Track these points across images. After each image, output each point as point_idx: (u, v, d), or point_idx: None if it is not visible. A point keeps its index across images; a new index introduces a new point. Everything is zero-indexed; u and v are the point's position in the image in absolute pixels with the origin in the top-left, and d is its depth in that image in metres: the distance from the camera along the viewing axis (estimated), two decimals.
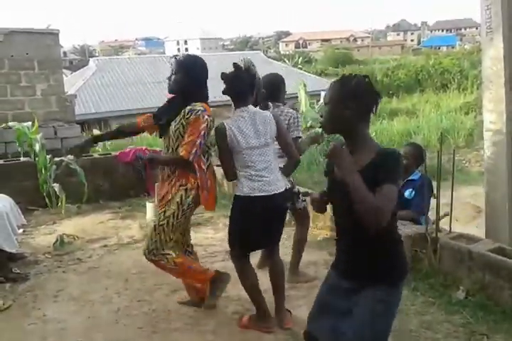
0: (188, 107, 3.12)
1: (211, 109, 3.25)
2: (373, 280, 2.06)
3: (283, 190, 3.15)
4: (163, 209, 3.22)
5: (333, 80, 2.17)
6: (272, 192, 3.08)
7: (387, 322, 2.10)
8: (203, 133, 3.10)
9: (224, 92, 3.14)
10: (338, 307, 2.13)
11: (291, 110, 3.92)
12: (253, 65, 4.83)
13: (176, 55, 3.29)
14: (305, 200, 3.96)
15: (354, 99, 2.01)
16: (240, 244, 3.18)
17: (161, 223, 3.19)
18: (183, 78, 3.16)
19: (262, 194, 3.05)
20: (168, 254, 3.19)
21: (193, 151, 3.08)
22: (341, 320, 2.10)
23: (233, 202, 3.18)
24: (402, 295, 2.16)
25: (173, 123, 3.16)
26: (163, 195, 3.29)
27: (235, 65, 3.11)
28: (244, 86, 3.10)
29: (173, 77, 3.21)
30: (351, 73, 2.15)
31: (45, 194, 6.12)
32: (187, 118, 3.10)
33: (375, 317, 2.04)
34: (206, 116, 3.11)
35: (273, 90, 3.80)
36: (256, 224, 3.07)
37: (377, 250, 2.05)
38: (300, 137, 3.85)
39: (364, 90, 2.04)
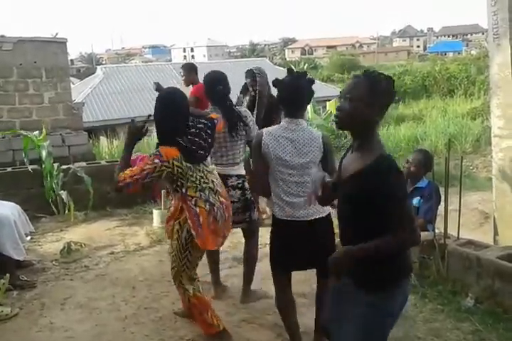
0: (158, 149, 2.95)
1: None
2: (365, 281, 2.04)
3: (322, 216, 2.88)
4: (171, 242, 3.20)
5: (357, 75, 2.08)
6: (306, 218, 2.84)
7: (378, 329, 2.07)
8: (146, 172, 2.85)
9: (278, 101, 2.96)
10: (340, 307, 2.14)
11: (248, 111, 3.83)
12: (263, 73, 4.82)
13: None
14: (258, 210, 3.83)
15: (381, 98, 1.98)
16: (278, 265, 3.00)
17: (172, 255, 3.18)
18: (156, 114, 3.01)
19: (294, 219, 2.85)
20: (187, 290, 3.13)
21: (127, 182, 2.86)
22: (342, 320, 2.11)
23: (271, 221, 3.02)
24: (396, 303, 2.08)
25: None
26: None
27: (289, 70, 2.95)
28: (302, 93, 2.88)
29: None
30: (375, 70, 2.09)
31: (51, 201, 6.14)
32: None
33: (365, 322, 2.02)
34: (157, 160, 2.86)
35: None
36: (293, 247, 2.87)
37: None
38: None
39: (387, 90, 2.01)
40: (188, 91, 5.74)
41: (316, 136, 2.87)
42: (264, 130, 2.92)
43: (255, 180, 2.98)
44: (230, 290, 3.99)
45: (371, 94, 1.96)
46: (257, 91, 5.05)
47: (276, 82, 2.88)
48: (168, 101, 3.02)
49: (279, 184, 2.87)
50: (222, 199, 3.11)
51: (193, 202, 2.99)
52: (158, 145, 2.99)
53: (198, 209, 2.99)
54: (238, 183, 3.67)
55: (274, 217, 2.97)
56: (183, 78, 6.09)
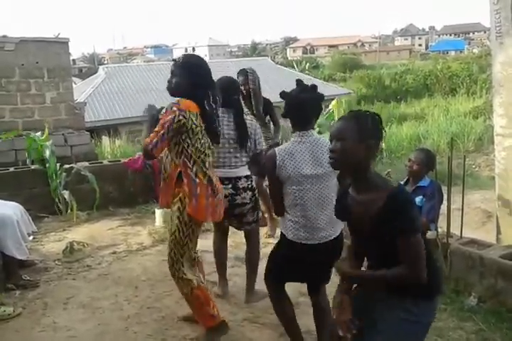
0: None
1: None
2: (397, 294, 2.05)
3: (336, 236, 2.80)
4: (169, 226, 3.07)
5: (343, 116, 2.16)
6: (322, 241, 2.75)
7: (415, 334, 2.09)
8: (167, 124, 2.80)
9: (284, 115, 2.83)
10: (366, 314, 2.12)
11: (254, 121, 3.81)
12: (255, 73, 4.71)
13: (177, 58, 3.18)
14: (258, 214, 3.80)
15: (372, 138, 2.02)
16: (274, 278, 2.95)
17: (170, 239, 3.05)
18: (179, 80, 2.97)
19: (309, 242, 2.76)
20: (191, 281, 3.02)
21: (154, 141, 2.79)
22: (368, 329, 2.09)
23: (280, 238, 2.94)
24: (430, 315, 2.12)
25: None
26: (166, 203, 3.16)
27: (298, 81, 2.83)
28: (309, 108, 2.76)
29: (173, 79, 3.03)
30: (361, 110, 2.16)
31: (57, 200, 6.14)
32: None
33: (395, 335, 2.03)
34: (175, 108, 2.83)
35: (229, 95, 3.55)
36: (297, 266, 2.82)
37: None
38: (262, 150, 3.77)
39: (379, 129, 2.06)
40: None
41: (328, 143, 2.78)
42: (277, 149, 2.81)
43: (275, 201, 2.89)
44: (232, 290, 3.99)
45: (360, 132, 2.01)
46: (251, 89, 5.07)
47: (284, 95, 2.79)
48: (195, 60, 3.04)
49: (296, 202, 2.75)
50: (217, 182, 3.08)
51: (194, 171, 2.94)
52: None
53: (197, 180, 2.94)
54: (248, 184, 3.67)
55: (283, 237, 2.87)
56: None
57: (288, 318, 2.99)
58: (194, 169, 2.94)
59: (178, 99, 2.91)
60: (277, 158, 2.75)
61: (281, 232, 2.90)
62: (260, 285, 3.85)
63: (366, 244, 2.15)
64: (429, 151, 4.26)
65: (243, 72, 5.17)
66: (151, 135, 2.82)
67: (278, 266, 2.92)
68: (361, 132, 2.01)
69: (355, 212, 2.11)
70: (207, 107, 2.97)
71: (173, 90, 3.02)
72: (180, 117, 2.82)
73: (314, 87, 2.79)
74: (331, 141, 2.10)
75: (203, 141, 2.97)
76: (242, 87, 4.87)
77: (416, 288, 2.01)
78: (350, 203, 2.14)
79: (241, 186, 3.61)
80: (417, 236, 1.96)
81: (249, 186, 3.67)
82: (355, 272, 2.16)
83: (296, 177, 2.72)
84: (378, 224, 1.99)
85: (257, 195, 3.76)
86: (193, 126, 2.88)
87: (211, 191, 2.99)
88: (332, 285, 2.66)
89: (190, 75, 2.95)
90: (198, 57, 3.14)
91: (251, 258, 3.83)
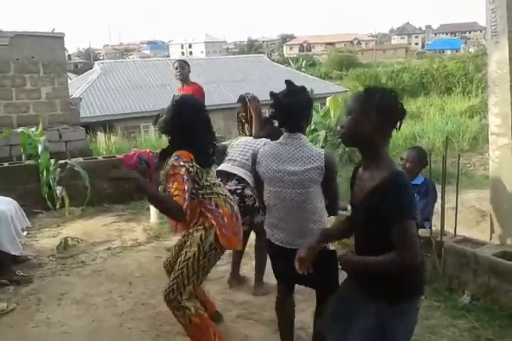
0: (174, 154, 2.83)
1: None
2: (378, 296, 2.03)
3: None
4: (183, 251, 2.94)
5: (359, 91, 2.12)
6: (286, 246, 2.68)
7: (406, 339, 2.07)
8: (185, 178, 2.72)
9: (271, 117, 2.76)
10: (348, 316, 2.13)
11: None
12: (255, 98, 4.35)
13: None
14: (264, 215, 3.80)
15: (377, 113, 1.96)
16: (275, 277, 2.93)
17: (180, 265, 2.89)
18: (170, 120, 2.93)
19: (276, 242, 2.73)
20: (188, 309, 2.84)
21: (186, 197, 2.70)
22: (348, 331, 2.09)
23: None
24: (411, 319, 2.08)
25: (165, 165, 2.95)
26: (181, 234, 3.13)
27: (287, 82, 2.72)
28: (295, 111, 2.63)
29: (163, 116, 3.00)
30: (376, 86, 2.11)
31: (46, 196, 6.11)
32: (168, 165, 2.85)
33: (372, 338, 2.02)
34: (182, 163, 2.76)
35: None
36: (278, 266, 2.83)
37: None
38: None
39: (389, 105, 1.99)
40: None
41: (315, 153, 2.60)
42: (261, 148, 2.80)
43: (259, 198, 2.92)
44: (226, 286, 4.01)
45: (370, 110, 1.97)
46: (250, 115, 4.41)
47: (271, 96, 2.69)
48: (193, 108, 2.96)
49: (269, 204, 2.72)
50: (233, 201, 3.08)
51: (214, 204, 2.91)
52: (163, 151, 2.97)
53: (221, 210, 2.91)
54: (236, 189, 3.62)
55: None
56: (179, 74, 5.98)
57: (281, 319, 2.93)
58: (213, 203, 2.91)
59: (176, 153, 2.82)
60: (258, 154, 2.73)
61: None
62: (269, 278, 3.88)
63: (357, 231, 2.15)
64: (420, 149, 4.29)
65: (240, 99, 4.80)
66: (174, 196, 2.67)
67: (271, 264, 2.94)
68: (366, 106, 1.98)
69: (356, 187, 2.10)
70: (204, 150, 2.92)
71: (165, 130, 3.03)
72: (191, 169, 2.78)
73: (302, 89, 2.70)
74: (345, 115, 2.10)
75: (209, 178, 2.93)
76: (244, 114, 4.38)
77: (399, 290, 2.00)
78: (356, 182, 2.13)
79: (228, 188, 3.52)
80: (411, 222, 1.91)
81: (238, 191, 3.62)
82: (355, 258, 2.05)
83: (268, 177, 2.67)
84: (369, 202, 1.97)
85: (250, 203, 3.64)
86: (198, 170, 2.84)
87: (236, 218, 2.97)
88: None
89: (185, 118, 2.89)
90: (196, 100, 3.09)
91: (259, 251, 3.86)
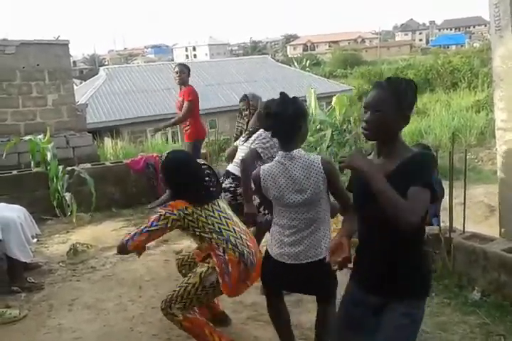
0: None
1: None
2: (400, 294, 2.02)
3: (313, 260, 2.62)
4: (190, 273, 3.08)
5: (379, 83, 2.03)
6: (292, 262, 2.66)
7: (413, 335, 2.06)
8: (150, 221, 2.91)
9: (265, 129, 2.81)
10: (367, 324, 2.08)
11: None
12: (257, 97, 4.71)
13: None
14: (266, 214, 3.71)
15: (408, 108, 1.96)
16: (263, 284, 2.92)
17: (182, 284, 3.02)
18: (166, 180, 3.09)
19: (281, 260, 2.69)
20: (175, 316, 2.96)
21: (132, 234, 2.90)
22: (370, 337, 2.05)
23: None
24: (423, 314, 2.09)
25: None
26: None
27: (281, 93, 2.69)
28: (288, 119, 2.59)
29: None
30: (397, 76, 2.09)
31: (55, 203, 6.14)
32: None
33: (401, 331, 2.00)
34: (162, 210, 2.92)
35: None
36: (272, 281, 2.81)
37: (405, 264, 2.01)
38: None
39: (414, 97, 2.00)
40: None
41: (313, 161, 2.59)
42: (262, 169, 2.73)
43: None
44: None
45: (396, 102, 1.94)
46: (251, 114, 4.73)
47: (265, 107, 2.74)
48: (178, 169, 3.00)
49: (279, 222, 2.71)
50: (249, 243, 3.03)
51: (221, 250, 2.94)
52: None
53: (227, 257, 2.93)
54: (230, 187, 3.78)
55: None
56: (179, 77, 6.06)
57: (278, 323, 2.93)
58: (221, 249, 2.94)
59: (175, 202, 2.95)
60: (261, 179, 2.70)
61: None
62: None
63: (371, 220, 2.03)
64: (425, 146, 4.28)
65: (243, 98, 4.90)
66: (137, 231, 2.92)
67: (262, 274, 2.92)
68: (399, 103, 1.94)
69: None
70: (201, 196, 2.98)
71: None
72: (167, 215, 2.88)
73: (294, 100, 2.66)
74: (365, 110, 2.00)
75: (210, 221, 2.94)
76: (247, 112, 4.68)
77: (410, 288, 2.01)
78: None
79: (223, 185, 3.75)
80: (426, 190, 1.88)
81: (231, 189, 3.78)
82: (374, 170, 1.91)
83: (279, 201, 2.66)
84: (392, 181, 1.89)
85: (242, 201, 3.69)
86: (191, 218, 2.91)
87: (243, 266, 2.95)
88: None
89: (173, 178, 3.03)
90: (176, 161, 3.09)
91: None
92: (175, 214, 2.89)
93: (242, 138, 4.13)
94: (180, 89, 6.11)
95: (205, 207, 2.96)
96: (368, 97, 2.02)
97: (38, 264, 4.71)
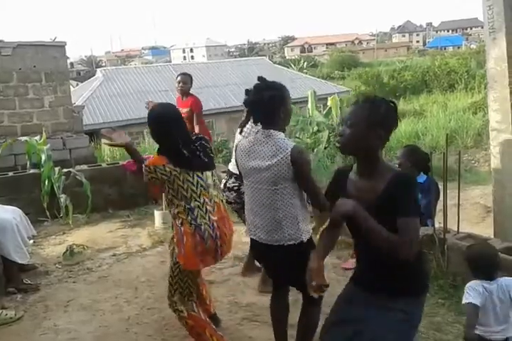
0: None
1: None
2: (397, 292, 2.05)
3: (280, 243, 2.62)
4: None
5: (357, 100, 2.10)
6: (259, 240, 2.72)
7: (408, 333, 2.08)
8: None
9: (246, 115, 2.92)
10: (358, 316, 2.09)
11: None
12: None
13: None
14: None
15: (382, 125, 1.99)
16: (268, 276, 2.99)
17: (169, 273, 3.08)
18: (151, 132, 3.08)
19: (251, 236, 2.79)
20: (181, 312, 3.03)
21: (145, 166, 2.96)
22: (360, 328, 2.07)
23: None
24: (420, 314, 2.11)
25: None
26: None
27: (259, 78, 2.75)
28: (266, 105, 2.62)
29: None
30: (376, 96, 2.12)
31: (46, 205, 6.10)
32: None
33: (395, 327, 2.03)
34: (144, 166, 2.95)
35: None
36: (259, 260, 2.96)
37: (402, 265, 2.01)
38: None
39: (392, 117, 2.03)
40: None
41: (285, 145, 2.56)
42: (239, 143, 2.83)
43: None
44: (232, 289, 4.02)
45: (375, 123, 1.98)
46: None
47: (245, 92, 2.78)
48: (164, 120, 2.97)
49: (247, 201, 2.78)
50: (213, 217, 2.95)
51: (180, 221, 2.95)
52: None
53: (182, 229, 2.93)
54: (234, 186, 3.80)
55: None
56: (182, 87, 5.96)
57: (274, 319, 2.95)
58: (180, 220, 2.94)
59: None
60: (237, 149, 2.82)
61: None
62: None
63: (360, 241, 2.11)
64: (414, 148, 4.27)
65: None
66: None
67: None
68: (372, 119, 1.97)
69: (354, 197, 2.03)
70: (182, 152, 2.93)
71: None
72: (144, 170, 2.93)
73: (273, 84, 2.67)
74: (341, 124, 2.09)
75: (185, 185, 2.89)
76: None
77: (407, 287, 2.03)
78: (348, 187, 2.10)
79: (227, 185, 3.83)
80: (415, 218, 1.93)
81: (235, 188, 3.82)
82: (365, 213, 1.93)
83: (244, 172, 2.74)
84: (380, 207, 1.95)
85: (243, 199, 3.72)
86: (165, 176, 2.88)
87: (200, 238, 2.90)
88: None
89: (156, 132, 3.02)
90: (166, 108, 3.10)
91: None
92: (150, 171, 2.90)
93: (239, 130, 4.16)
94: (182, 98, 5.96)
95: (187, 170, 2.91)
96: (346, 113, 2.12)
97: (34, 266, 4.71)
